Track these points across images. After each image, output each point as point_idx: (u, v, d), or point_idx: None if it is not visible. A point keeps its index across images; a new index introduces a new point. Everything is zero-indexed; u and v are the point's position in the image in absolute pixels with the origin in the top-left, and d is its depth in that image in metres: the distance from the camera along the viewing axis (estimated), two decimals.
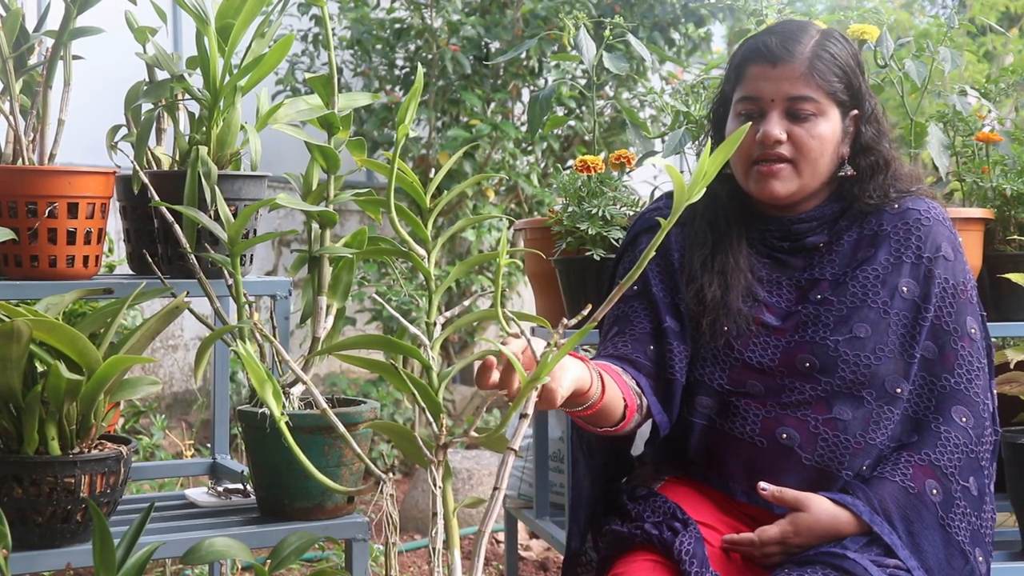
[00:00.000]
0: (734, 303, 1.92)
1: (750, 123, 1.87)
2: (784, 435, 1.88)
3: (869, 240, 1.95)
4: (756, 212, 2.00)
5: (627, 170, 2.54)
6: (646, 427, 2.06)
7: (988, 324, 2.02)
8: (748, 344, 1.92)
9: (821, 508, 1.82)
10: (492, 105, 5.46)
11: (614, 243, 2.34)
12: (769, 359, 1.91)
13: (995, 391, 1.96)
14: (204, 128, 2.21)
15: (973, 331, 1.93)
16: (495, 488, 1.53)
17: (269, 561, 1.87)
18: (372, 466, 1.77)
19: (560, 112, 5.53)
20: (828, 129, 1.91)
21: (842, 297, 1.92)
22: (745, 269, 1.94)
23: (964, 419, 1.88)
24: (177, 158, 2.39)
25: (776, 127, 1.89)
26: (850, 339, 1.89)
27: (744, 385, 1.91)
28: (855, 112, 1.95)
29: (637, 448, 2.16)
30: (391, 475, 1.83)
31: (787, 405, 1.89)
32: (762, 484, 1.85)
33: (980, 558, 1.86)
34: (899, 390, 1.88)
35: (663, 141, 2.74)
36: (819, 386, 1.89)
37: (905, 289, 1.91)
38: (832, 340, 1.89)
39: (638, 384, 1.89)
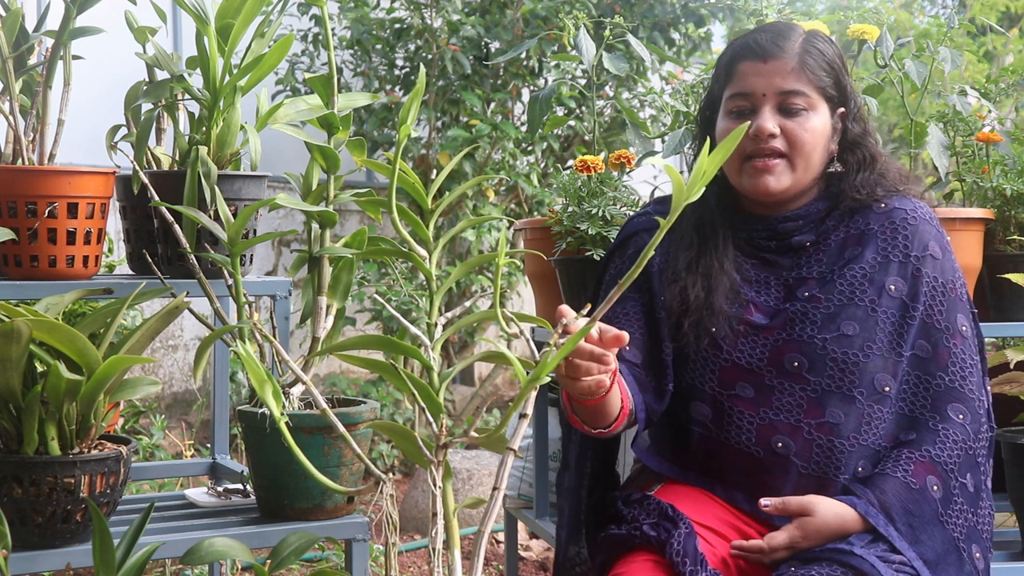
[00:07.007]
0: (718, 304, 1.92)
1: (748, 121, 1.87)
2: (779, 444, 1.88)
3: (856, 239, 1.96)
4: (743, 212, 2.01)
5: (627, 170, 2.54)
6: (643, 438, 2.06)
7: (988, 324, 2.02)
8: (736, 344, 1.92)
9: (827, 510, 1.82)
10: (492, 105, 5.45)
11: None
12: (757, 358, 1.91)
13: (989, 387, 1.96)
14: (204, 128, 2.21)
15: (964, 328, 1.93)
16: (495, 488, 1.53)
17: (269, 561, 1.86)
18: (372, 466, 1.77)
19: (560, 112, 5.53)
20: (819, 123, 1.93)
21: (829, 295, 1.92)
22: (730, 271, 1.95)
23: (961, 416, 1.88)
24: (177, 158, 2.39)
25: (769, 121, 1.91)
26: (838, 337, 1.89)
27: (734, 387, 1.92)
28: (842, 110, 1.98)
29: (629, 458, 2.15)
30: (391, 475, 1.83)
31: (780, 409, 1.89)
32: (763, 501, 1.85)
33: (978, 555, 1.86)
34: (887, 388, 1.89)
35: (663, 141, 2.74)
36: (808, 386, 1.89)
37: (893, 288, 1.92)
38: (820, 338, 1.90)
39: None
